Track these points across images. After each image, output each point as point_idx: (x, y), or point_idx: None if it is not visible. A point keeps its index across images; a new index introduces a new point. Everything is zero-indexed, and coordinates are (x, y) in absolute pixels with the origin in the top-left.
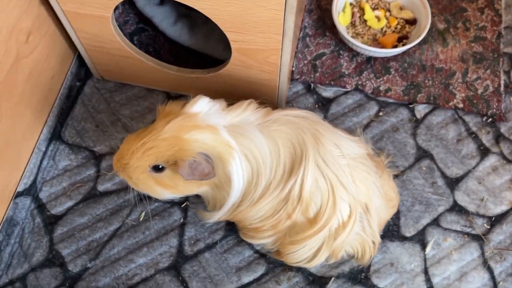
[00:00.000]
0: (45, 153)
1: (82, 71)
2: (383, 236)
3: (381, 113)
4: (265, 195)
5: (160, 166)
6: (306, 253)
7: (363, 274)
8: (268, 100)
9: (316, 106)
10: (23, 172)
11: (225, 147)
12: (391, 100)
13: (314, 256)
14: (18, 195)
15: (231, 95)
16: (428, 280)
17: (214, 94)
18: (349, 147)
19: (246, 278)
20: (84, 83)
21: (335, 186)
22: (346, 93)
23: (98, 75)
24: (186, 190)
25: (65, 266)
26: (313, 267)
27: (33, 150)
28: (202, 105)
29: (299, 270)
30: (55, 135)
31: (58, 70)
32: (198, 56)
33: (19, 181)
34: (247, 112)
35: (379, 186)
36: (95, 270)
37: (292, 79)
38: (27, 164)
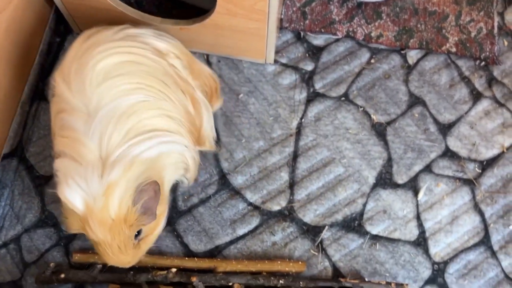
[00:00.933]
0: (29, 112)
1: (61, 27)
2: (375, 185)
3: (372, 60)
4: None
5: (136, 234)
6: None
7: (357, 222)
8: (257, 51)
9: (307, 55)
10: (8, 133)
11: (129, 175)
12: (382, 47)
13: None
14: (5, 157)
15: (218, 46)
16: (420, 225)
17: (200, 45)
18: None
19: (241, 230)
20: (64, 39)
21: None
22: (337, 40)
23: (78, 30)
24: (163, 210)
25: (59, 226)
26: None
27: (17, 110)
28: (70, 193)
29: (293, 220)
30: (38, 94)
31: (36, 26)
32: (182, 6)
33: (4, 143)
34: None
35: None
36: None
37: (281, 28)
38: (11, 125)
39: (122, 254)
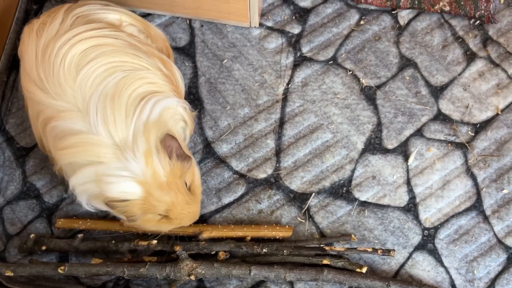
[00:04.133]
0: (7, 83)
1: None
2: (364, 150)
3: (362, 22)
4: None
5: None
6: None
7: (345, 189)
8: (241, 13)
9: (293, 17)
10: None
11: (151, 139)
12: (372, 7)
13: None
14: None
15: (201, 10)
16: (410, 190)
17: (182, 9)
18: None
19: (227, 199)
20: (42, 6)
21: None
22: (325, 1)
23: None
24: (189, 153)
25: (41, 197)
26: None
27: None
28: (121, 185)
29: (280, 188)
30: (15, 64)
31: None
32: None
33: None
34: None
35: None
36: (72, 200)
37: None
38: None
39: (191, 205)
